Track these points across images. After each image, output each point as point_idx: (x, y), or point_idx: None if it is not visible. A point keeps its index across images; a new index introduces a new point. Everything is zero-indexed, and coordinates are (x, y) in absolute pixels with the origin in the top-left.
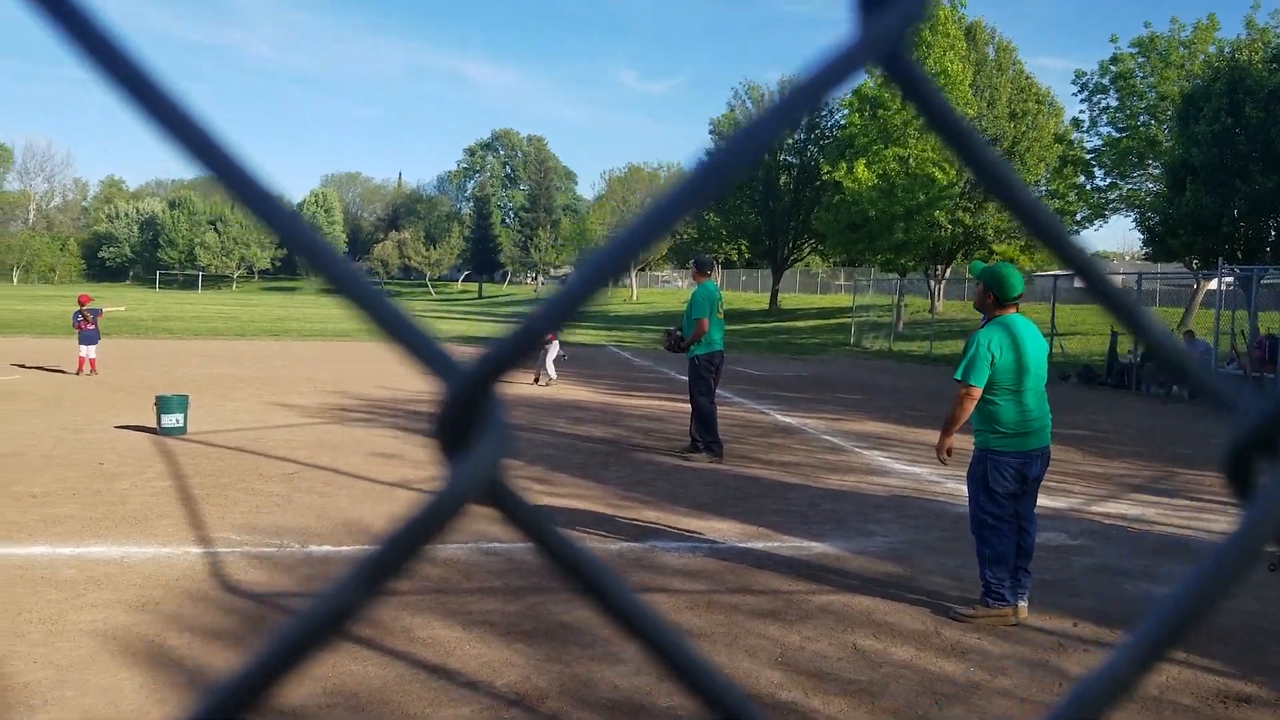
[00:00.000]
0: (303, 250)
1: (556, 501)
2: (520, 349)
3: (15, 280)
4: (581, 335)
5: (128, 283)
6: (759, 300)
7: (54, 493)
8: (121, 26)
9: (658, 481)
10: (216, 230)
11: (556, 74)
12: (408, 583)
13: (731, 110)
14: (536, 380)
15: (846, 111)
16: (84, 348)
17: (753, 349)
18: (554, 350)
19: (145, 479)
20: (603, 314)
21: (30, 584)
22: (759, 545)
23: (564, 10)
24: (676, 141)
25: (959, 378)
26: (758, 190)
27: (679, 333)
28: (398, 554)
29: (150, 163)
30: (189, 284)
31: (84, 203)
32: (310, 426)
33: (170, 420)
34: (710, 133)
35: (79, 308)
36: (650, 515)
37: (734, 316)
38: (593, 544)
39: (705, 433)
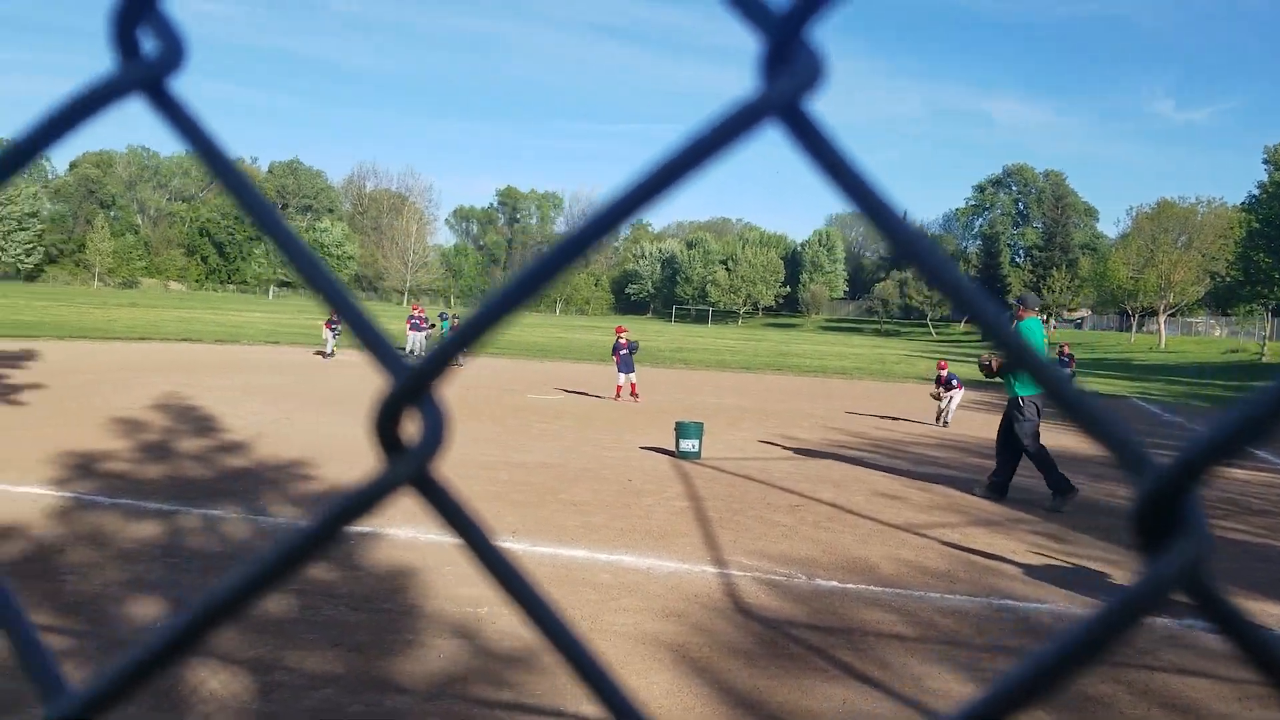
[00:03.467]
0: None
1: (1079, 563)
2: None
3: (558, 311)
4: (1101, 384)
5: (648, 316)
6: None
7: (590, 502)
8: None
9: None
10: (727, 268)
11: (1082, 108)
12: (915, 629)
13: None
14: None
15: None
16: (623, 375)
17: None
18: (958, 397)
19: (666, 498)
20: (1125, 363)
21: (572, 584)
22: None
23: (1096, 43)
24: (1216, 173)
25: None
26: None
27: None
28: (1111, 639)
29: (672, 207)
30: (700, 318)
31: (614, 243)
32: (812, 460)
33: (687, 445)
34: (1264, 161)
35: (617, 337)
36: None
37: None
38: None
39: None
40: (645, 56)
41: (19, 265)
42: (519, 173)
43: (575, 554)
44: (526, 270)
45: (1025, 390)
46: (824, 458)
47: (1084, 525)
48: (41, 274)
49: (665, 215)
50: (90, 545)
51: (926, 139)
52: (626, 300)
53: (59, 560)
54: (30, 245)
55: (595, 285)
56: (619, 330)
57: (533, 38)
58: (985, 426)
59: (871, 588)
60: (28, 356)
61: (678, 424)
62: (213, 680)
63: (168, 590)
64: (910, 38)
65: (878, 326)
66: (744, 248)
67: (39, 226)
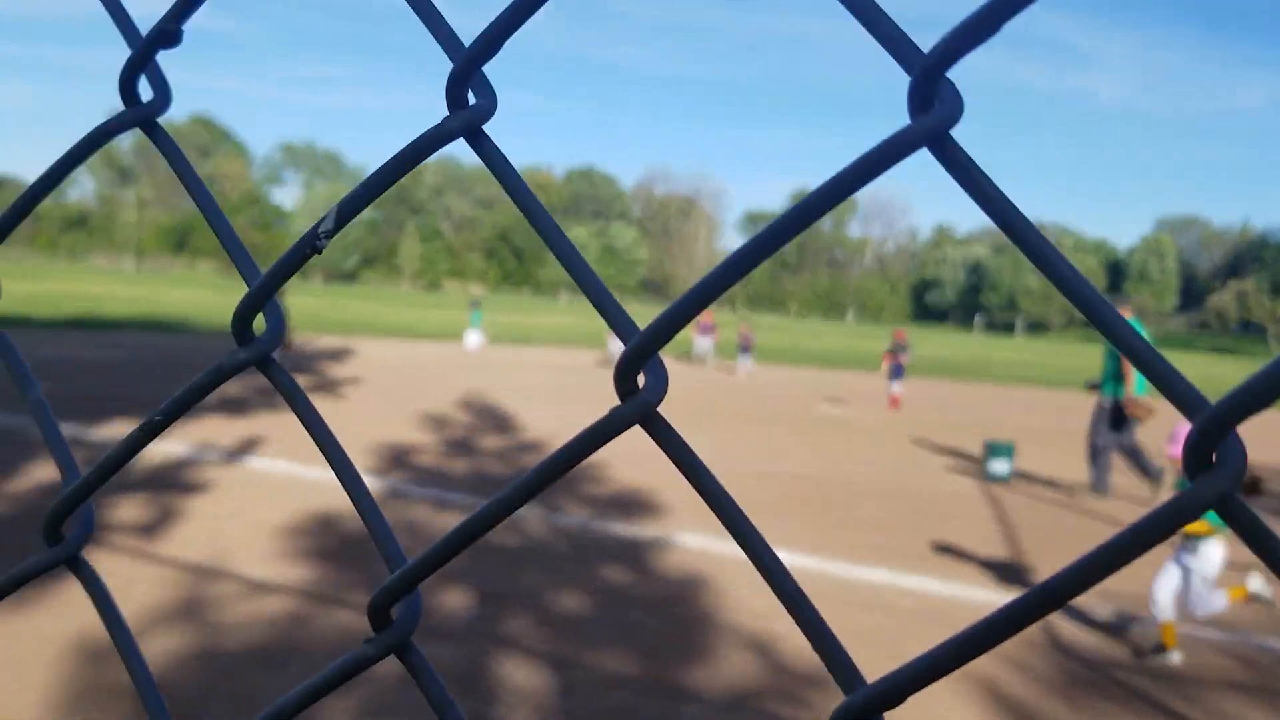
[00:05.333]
0: None
1: None
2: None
3: (849, 318)
4: None
5: (947, 324)
6: None
7: (885, 522)
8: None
9: None
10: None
11: None
12: (1257, 679)
13: None
14: None
15: None
16: (893, 383)
17: None
18: None
19: (973, 521)
20: None
21: (869, 606)
22: None
23: None
24: None
25: None
26: None
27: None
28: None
29: (978, 210)
30: (1007, 328)
31: (913, 248)
32: (1139, 490)
33: (997, 466)
34: None
35: (893, 341)
36: None
37: None
38: None
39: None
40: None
41: (340, 267)
42: (813, 174)
43: (873, 576)
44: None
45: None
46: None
47: None
48: (359, 276)
49: (971, 219)
50: (402, 533)
51: (1272, 133)
52: (924, 308)
53: (374, 546)
54: (350, 249)
55: (890, 291)
56: (897, 334)
57: (832, 35)
58: None
59: (1205, 631)
60: (346, 353)
61: (987, 443)
62: (517, 674)
63: (471, 580)
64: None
65: (1212, 343)
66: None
67: (357, 232)
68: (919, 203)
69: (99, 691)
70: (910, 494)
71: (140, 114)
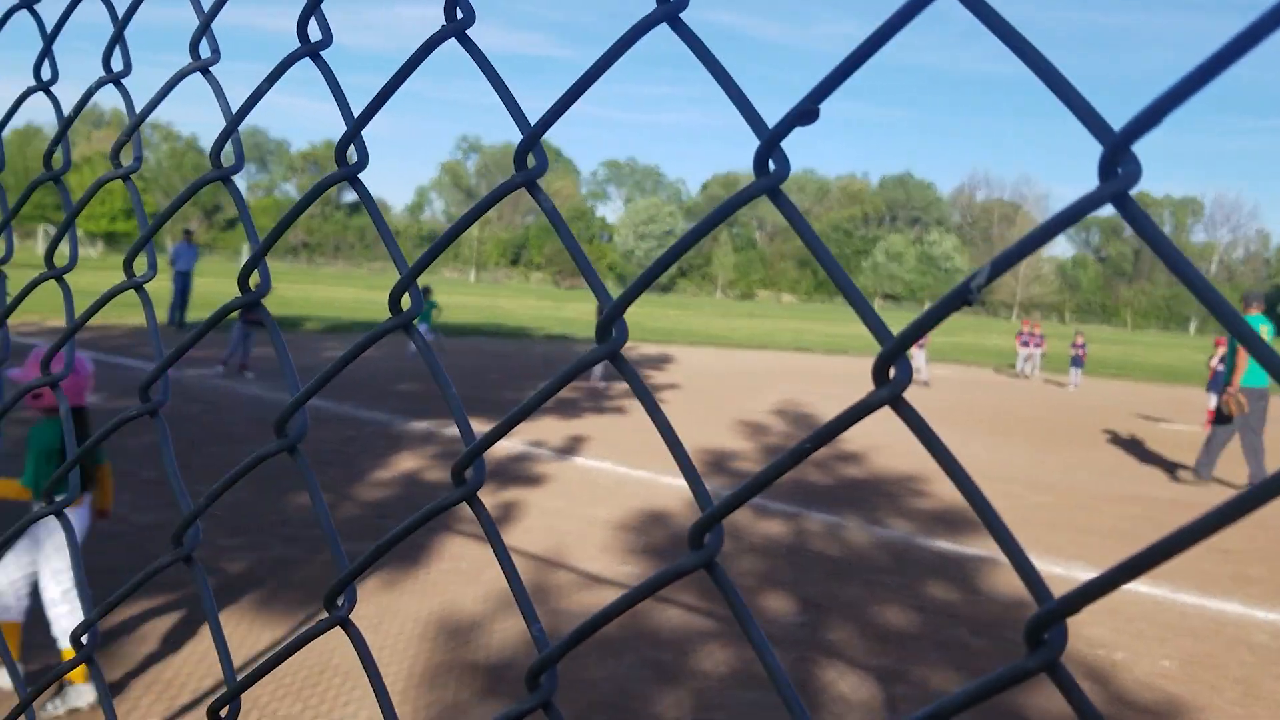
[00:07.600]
0: None
1: None
2: None
3: (1191, 330)
4: None
5: None
6: None
7: (1245, 551)
8: None
9: None
10: None
11: None
12: None
13: None
14: None
15: None
16: (1214, 397)
17: None
18: None
19: None
20: None
21: (1224, 639)
22: None
23: None
24: None
25: None
26: None
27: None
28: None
29: None
30: None
31: (1265, 254)
32: None
33: None
34: None
35: (1215, 351)
36: None
37: None
38: None
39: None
40: None
41: (657, 278)
42: (1153, 176)
43: (1226, 607)
44: None
45: (1249, 381)
46: None
47: None
48: (674, 286)
49: None
50: (726, 538)
51: None
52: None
53: None
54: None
55: (1240, 301)
56: (1218, 342)
57: (1153, 26)
58: None
59: None
60: (665, 360)
61: None
62: (841, 682)
63: (795, 588)
64: None
65: None
66: None
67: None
68: (1270, 204)
69: (455, 667)
70: (1267, 522)
71: (768, 183)
